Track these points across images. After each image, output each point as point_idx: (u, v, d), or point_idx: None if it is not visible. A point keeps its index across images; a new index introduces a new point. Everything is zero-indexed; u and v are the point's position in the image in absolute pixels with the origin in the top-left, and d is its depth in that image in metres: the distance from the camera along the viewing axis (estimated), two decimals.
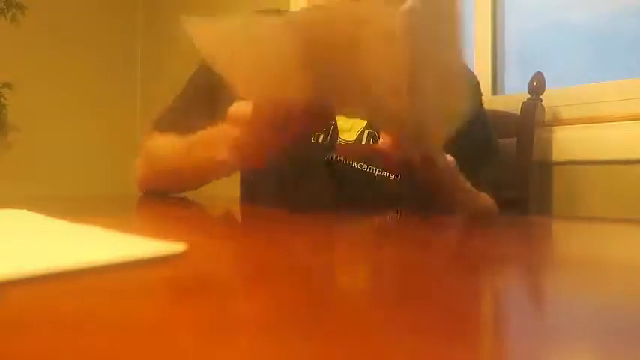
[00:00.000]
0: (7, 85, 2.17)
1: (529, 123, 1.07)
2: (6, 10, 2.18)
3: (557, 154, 1.10)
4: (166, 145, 0.81)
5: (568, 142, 1.10)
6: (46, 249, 0.24)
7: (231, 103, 0.77)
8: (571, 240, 0.44)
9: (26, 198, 0.39)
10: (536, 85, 1.09)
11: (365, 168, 0.78)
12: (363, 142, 0.78)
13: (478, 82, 0.92)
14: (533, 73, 1.11)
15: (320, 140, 0.78)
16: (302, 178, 0.60)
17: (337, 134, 0.78)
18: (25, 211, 0.40)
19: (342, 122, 0.78)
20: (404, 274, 0.22)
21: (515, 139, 1.07)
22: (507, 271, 0.25)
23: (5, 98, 2.20)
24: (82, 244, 0.26)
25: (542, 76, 1.10)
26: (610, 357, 0.12)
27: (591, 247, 0.37)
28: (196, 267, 0.23)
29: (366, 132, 0.79)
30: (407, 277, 0.22)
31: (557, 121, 1.14)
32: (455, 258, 0.28)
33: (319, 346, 0.12)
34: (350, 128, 0.79)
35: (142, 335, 0.13)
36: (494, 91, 1.36)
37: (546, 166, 1.12)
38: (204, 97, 0.85)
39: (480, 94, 0.91)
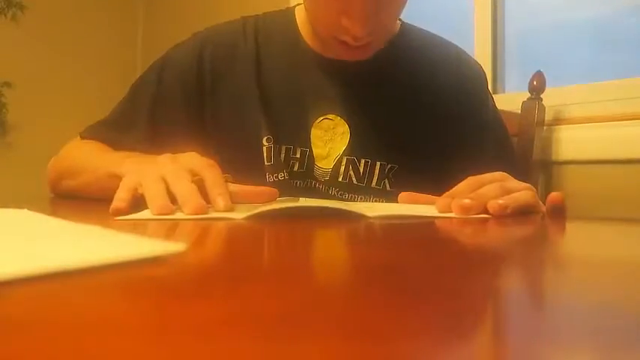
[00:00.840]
0: (7, 84, 2.17)
1: (529, 122, 1.07)
2: (6, 10, 2.18)
3: (558, 153, 1.10)
4: (82, 151, 0.77)
5: (568, 142, 1.10)
6: (45, 249, 0.24)
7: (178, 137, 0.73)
8: (571, 240, 0.44)
9: (26, 198, 0.39)
10: (537, 85, 1.09)
11: (346, 196, 0.75)
12: (342, 169, 0.74)
13: (481, 72, 0.85)
14: (533, 73, 1.11)
15: (295, 169, 0.74)
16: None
17: (314, 162, 0.74)
18: (25, 210, 0.40)
19: (318, 149, 0.74)
20: (403, 274, 0.22)
21: (515, 139, 1.07)
22: (507, 271, 0.25)
23: (5, 97, 2.20)
24: (82, 244, 0.26)
25: (543, 75, 1.10)
26: (610, 357, 0.12)
27: (591, 247, 0.37)
28: (196, 267, 0.23)
29: (345, 159, 0.74)
30: (406, 276, 0.22)
31: (558, 121, 1.14)
32: (454, 258, 0.28)
33: (319, 346, 0.12)
34: (327, 155, 0.74)
35: (142, 335, 0.13)
36: (495, 91, 1.36)
37: (547, 166, 1.12)
38: (146, 113, 0.78)
39: (486, 84, 0.85)
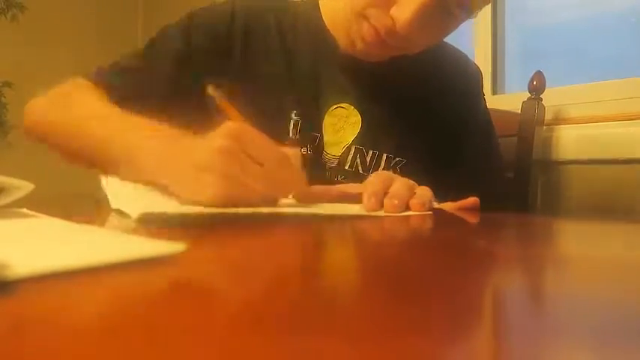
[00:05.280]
0: (7, 84, 2.17)
1: (529, 122, 1.07)
2: (6, 10, 2.18)
3: (558, 153, 1.10)
4: (85, 106, 0.65)
5: (568, 142, 1.10)
6: (45, 249, 0.24)
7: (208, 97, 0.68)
8: (571, 240, 0.44)
9: (26, 197, 0.39)
10: (537, 85, 1.09)
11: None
12: (349, 157, 0.76)
13: (479, 74, 0.89)
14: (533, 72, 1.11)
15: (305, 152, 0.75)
16: None
17: (323, 148, 0.75)
18: (24, 210, 0.40)
19: (329, 136, 0.75)
20: (403, 273, 0.22)
21: (515, 139, 1.07)
22: (507, 271, 0.25)
23: (5, 97, 2.20)
24: (82, 243, 0.26)
25: (543, 75, 1.10)
26: (610, 356, 0.12)
27: (590, 247, 0.37)
28: (196, 267, 0.23)
29: (353, 147, 0.76)
30: (406, 276, 0.22)
31: (558, 121, 1.14)
32: (454, 257, 0.28)
33: (320, 345, 0.12)
34: (336, 142, 0.76)
35: (142, 335, 0.13)
36: (495, 91, 1.36)
37: (547, 166, 1.12)
38: (172, 69, 0.71)
39: (481, 88, 0.89)
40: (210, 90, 0.56)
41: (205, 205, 0.44)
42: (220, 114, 0.54)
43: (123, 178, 0.51)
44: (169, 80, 0.72)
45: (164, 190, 0.48)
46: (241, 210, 0.42)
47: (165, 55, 0.73)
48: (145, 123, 0.56)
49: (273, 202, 0.49)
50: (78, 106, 0.66)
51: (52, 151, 0.66)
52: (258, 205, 0.45)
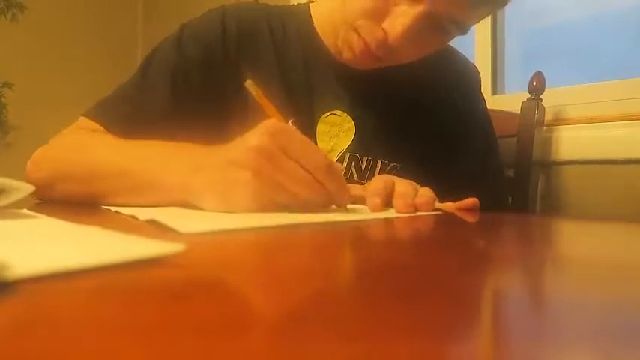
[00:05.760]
0: (7, 84, 2.17)
1: (529, 123, 1.07)
2: (6, 10, 2.19)
3: (558, 153, 1.10)
4: (92, 147, 0.62)
5: (568, 142, 1.10)
6: (45, 249, 0.24)
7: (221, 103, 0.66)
8: (571, 240, 0.44)
9: (26, 198, 0.39)
10: (536, 85, 1.09)
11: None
12: (344, 165, 0.74)
13: (477, 74, 0.89)
14: (533, 73, 1.11)
15: None
16: None
17: None
18: (24, 210, 0.40)
19: (322, 144, 0.74)
20: (403, 274, 0.22)
21: (515, 139, 1.07)
22: (507, 271, 0.25)
23: (5, 98, 2.20)
24: (81, 244, 0.26)
25: (542, 75, 1.10)
26: (610, 357, 0.12)
27: (591, 247, 0.37)
28: (195, 267, 0.23)
29: (348, 155, 0.75)
30: (406, 276, 0.22)
31: (558, 121, 1.14)
32: (454, 257, 0.28)
33: (319, 345, 0.12)
34: (331, 150, 0.75)
35: (141, 335, 0.13)
36: (494, 91, 1.36)
37: (546, 166, 1.12)
38: (168, 84, 0.69)
39: (480, 89, 0.89)
40: (248, 84, 0.54)
41: (238, 207, 0.42)
42: (257, 112, 0.52)
43: (151, 206, 0.48)
44: (170, 95, 0.70)
45: (195, 201, 0.45)
46: (282, 221, 0.39)
47: (162, 70, 0.71)
48: (165, 144, 0.54)
49: (312, 211, 0.45)
50: (90, 149, 0.62)
51: (65, 197, 0.61)
52: (294, 211, 0.43)
